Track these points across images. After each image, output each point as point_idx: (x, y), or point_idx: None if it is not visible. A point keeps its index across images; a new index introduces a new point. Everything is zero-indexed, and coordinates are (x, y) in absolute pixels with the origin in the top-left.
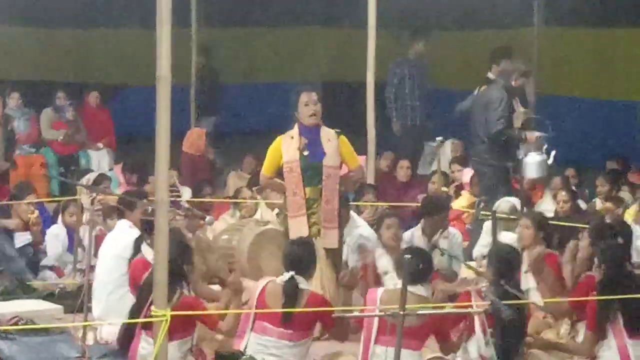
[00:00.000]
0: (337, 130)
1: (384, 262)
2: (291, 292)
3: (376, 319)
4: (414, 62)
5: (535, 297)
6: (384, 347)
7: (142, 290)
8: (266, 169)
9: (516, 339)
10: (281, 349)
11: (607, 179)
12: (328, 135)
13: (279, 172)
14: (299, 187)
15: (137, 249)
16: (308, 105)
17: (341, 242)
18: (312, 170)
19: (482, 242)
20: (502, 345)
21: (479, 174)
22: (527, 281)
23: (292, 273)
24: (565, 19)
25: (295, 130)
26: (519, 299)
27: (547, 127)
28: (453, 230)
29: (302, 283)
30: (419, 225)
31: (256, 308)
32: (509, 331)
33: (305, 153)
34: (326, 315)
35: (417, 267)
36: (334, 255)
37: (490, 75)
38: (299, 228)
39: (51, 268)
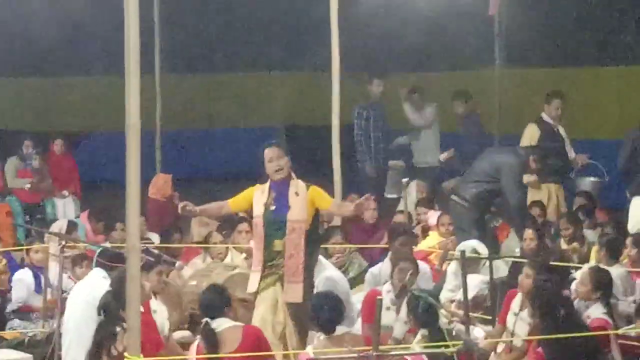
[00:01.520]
0: (308, 183)
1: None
2: (207, 338)
3: None
4: (374, 104)
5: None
6: None
7: (96, 336)
8: (233, 202)
9: None
10: None
11: (570, 219)
12: (297, 189)
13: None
14: (260, 243)
15: None
16: (272, 161)
17: (308, 296)
18: (277, 224)
19: (449, 286)
20: None
21: (454, 213)
22: (516, 325)
23: (205, 319)
24: (524, 59)
25: (266, 185)
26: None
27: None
28: (423, 266)
29: (224, 323)
30: (387, 258)
31: None
32: None
33: (272, 208)
34: (265, 348)
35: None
36: (299, 309)
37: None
38: (251, 284)
39: (20, 317)
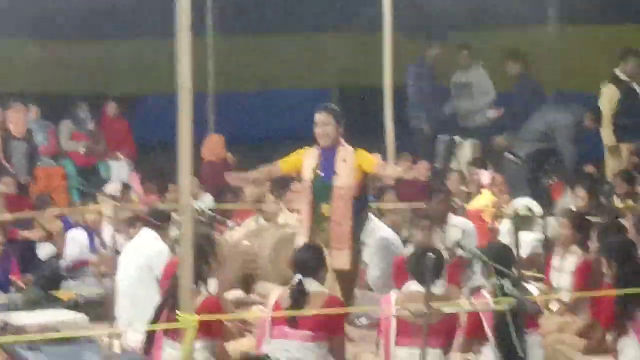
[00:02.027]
0: (355, 148)
1: None
2: (297, 295)
3: (394, 323)
4: (427, 63)
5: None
6: (405, 349)
7: (164, 295)
8: (283, 163)
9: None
10: (301, 351)
11: (625, 177)
12: (345, 156)
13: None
14: (308, 207)
15: None
16: (317, 126)
17: (355, 263)
18: (324, 189)
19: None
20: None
21: (508, 171)
22: (559, 279)
23: (299, 277)
24: (578, 17)
25: (316, 150)
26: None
27: None
28: (462, 220)
29: (312, 285)
30: None
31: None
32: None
33: (320, 173)
34: (339, 318)
35: (432, 266)
36: (345, 276)
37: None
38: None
39: (74, 276)
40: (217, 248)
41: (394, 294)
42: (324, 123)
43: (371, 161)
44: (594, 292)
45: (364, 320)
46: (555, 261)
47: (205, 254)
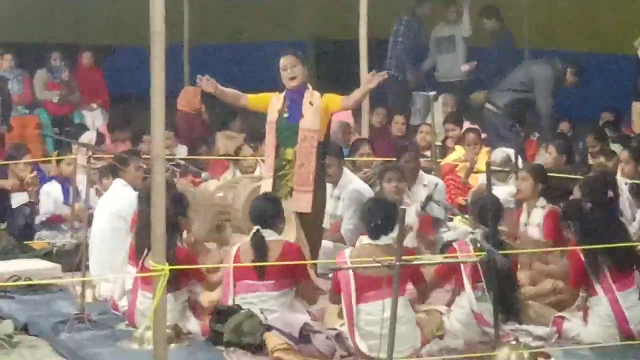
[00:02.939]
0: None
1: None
2: (258, 245)
3: (352, 280)
4: (419, 19)
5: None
6: (367, 303)
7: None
8: (252, 98)
9: (511, 289)
10: (267, 302)
11: (597, 135)
12: (311, 98)
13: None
14: (271, 149)
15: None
16: (286, 69)
17: (318, 206)
18: (289, 131)
19: None
20: (499, 296)
21: (488, 122)
22: (529, 230)
23: (257, 227)
24: None
25: (282, 93)
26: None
27: None
28: (431, 177)
29: (270, 235)
30: None
31: (234, 269)
32: (504, 282)
33: (285, 115)
34: (300, 264)
35: (382, 220)
36: (309, 219)
37: None
38: (264, 188)
39: (48, 227)
40: (189, 200)
41: (347, 250)
42: (291, 65)
43: (337, 99)
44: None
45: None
46: (523, 216)
47: (180, 205)
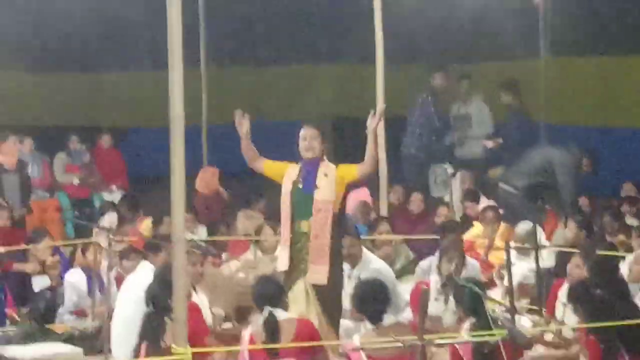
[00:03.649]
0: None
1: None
2: (271, 327)
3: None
4: (435, 93)
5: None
6: None
7: (144, 328)
8: (267, 164)
9: None
10: None
11: (613, 215)
12: (326, 170)
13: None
14: (286, 220)
15: None
16: (305, 140)
17: (334, 278)
18: (304, 202)
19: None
20: None
21: (503, 201)
22: (566, 313)
23: (268, 309)
24: (570, 49)
25: (298, 164)
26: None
27: None
28: (471, 260)
29: (281, 315)
30: (437, 252)
31: (248, 353)
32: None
33: (300, 185)
34: (314, 339)
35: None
36: (326, 292)
37: None
38: (281, 261)
39: (70, 312)
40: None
41: (355, 336)
42: (310, 137)
43: (352, 168)
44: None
45: None
46: (562, 295)
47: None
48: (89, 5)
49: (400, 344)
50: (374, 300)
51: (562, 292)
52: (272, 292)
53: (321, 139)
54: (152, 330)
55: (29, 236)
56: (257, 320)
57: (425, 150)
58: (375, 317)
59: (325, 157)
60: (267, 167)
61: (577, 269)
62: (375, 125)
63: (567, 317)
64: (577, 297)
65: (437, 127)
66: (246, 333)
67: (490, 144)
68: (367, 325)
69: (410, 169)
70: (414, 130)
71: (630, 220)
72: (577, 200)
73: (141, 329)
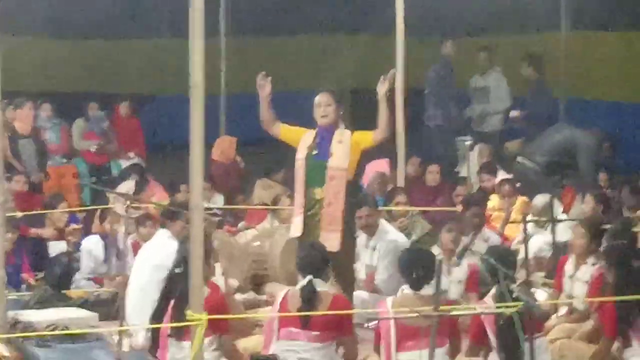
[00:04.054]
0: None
1: None
2: (308, 296)
3: (392, 330)
4: (444, 64)
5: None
6: (407, 352)
7: (163, 295)
8: (284, 128)
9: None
10: (309, 352)
11: (633, 190)
12: (341, 137)
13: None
14: (300, 186)
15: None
16: (320, 106)
17: (346, 246)
18: (318, 169)
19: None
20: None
21: (521, 174)
22: (573, 287)
23: (309, 277)
24: (592, 23)
25: (314, 130)
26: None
27: None
28: (491, 234)
29: (321, 286)
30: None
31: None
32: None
33: (314, 152)
34: (347, 318)
35: (423, 270)
36: (339, 259)
37: None
38: (295, 227)
39: (86, 278)
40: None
41: (389, 300)
42: (325, 103)
43: (367, 135)
44: (598, 298)
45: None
46: (569, 268)
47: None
48: None
49: (416, 315)
50: (420, 267)
51: (568, 266)
52: (316, 261)
53: (336, 105)
54: (180, 291)
55: (45, 201)
56: (295, 286)
57: (450, 122)
58: (418, 284)
59: (341, 124)
60: (284, 131)
61: (578, 239)
62: (385, 90)
63: (576, 290)
64: (613, 260)
65: (455, 95)
66: (280, 294)
67: (515, 113)
68: (405, 290)
69: (436, 141)
70: (435, 100)
71: None
72: (596, 178)
73: (168, 290)
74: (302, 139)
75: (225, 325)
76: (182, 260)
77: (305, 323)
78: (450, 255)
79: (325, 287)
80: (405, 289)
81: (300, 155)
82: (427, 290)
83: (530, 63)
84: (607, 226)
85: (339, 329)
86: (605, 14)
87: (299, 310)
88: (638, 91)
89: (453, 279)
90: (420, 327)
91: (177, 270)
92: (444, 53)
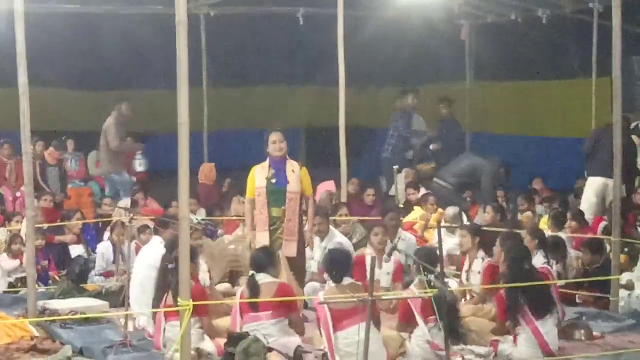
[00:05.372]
0: (300, 163)
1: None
2: (251, 286)
3: (328, 315)
4: (406, 113)
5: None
6: (343, 330)
7: (159, 286)
8: (249, 193)
9: (456, 317)
10: (267, 328)
11: (525, 198)
12: (292, 167)
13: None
14: (264, 208)
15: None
16: (275, 143)
17: (300, 250)
18: (277, 194)
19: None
20: (449, 327)
21: (437, 192)
22: (470, 278)
23: (251, 272)
24: (490, 75)
25: (266, 163)
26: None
27: None
28: (407, 234)
29: (265, 278)
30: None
31: (240, 304)
32: (451, 312)
33: (273, 180)
34: (292, 301)
35: (340, 266)
36: (295, 261)
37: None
38: (261, 240)
39: (99, 274)
40: (201, 251)
41: (320, 293)
42: (280, 140)
43: (309, 187)
44: (490, 286)
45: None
46: (465, 263)
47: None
48: (116, 34)
49: (354, 300)
50: (338, 264)
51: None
52: (259, 259)
53: (285, 141)
54: (174, 282)
55: (63, 214)
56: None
57: (395, 155)
58: (337, 278)
59: (287, 156)
60: (251, 194)
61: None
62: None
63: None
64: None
65: (406, 136)
66: (238, 291)
67: (434, 146)
68: (330, 284)
69: (385, 169)
70: (390, 140)
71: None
72: (494, 194)
73: (162, 282)
74: (256, 173)
75: (206, 310)
76: (174, 259)
77: (254, 306)
78: (380, 254)
79: (270, 279)
80: (330, 283)
81: (260, 184)
82: (347, 280)
83: (445, 103)
84: (501, 229)
85: (285, 309)
86: (501, 68)
87: (248, 297)
88: (526, 127)
89: (382, 271)
90: (350, 309)
91: (169, 266)
92: (404, 102)
